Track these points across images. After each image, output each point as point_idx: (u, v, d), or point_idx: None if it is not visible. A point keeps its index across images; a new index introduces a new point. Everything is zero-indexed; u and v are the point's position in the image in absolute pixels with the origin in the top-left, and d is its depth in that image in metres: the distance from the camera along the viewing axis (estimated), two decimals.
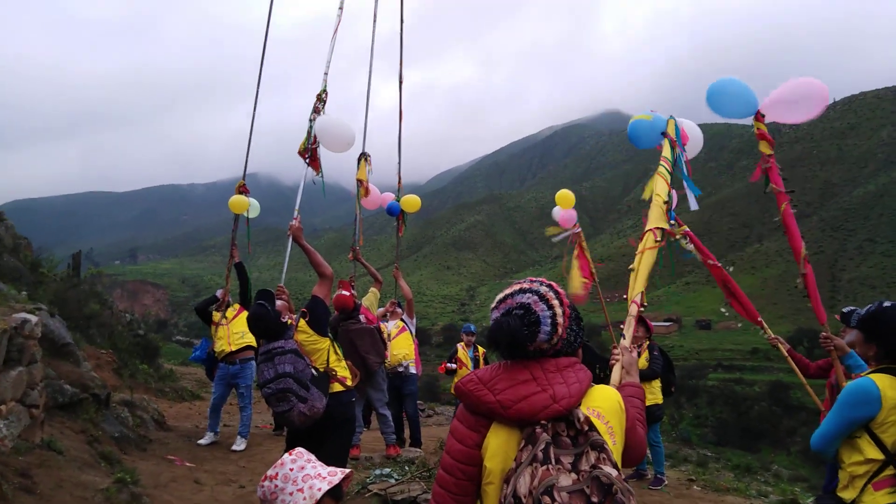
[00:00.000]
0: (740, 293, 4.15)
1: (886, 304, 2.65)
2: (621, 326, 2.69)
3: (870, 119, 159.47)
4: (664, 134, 3.47)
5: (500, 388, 1.62)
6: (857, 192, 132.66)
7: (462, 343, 8.21)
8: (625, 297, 2.84)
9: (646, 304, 2.85)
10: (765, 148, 3.91)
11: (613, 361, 2.29)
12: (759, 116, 3.92)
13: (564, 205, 6.68)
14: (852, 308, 3.88)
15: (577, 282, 5.85)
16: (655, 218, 3.08)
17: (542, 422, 1.53)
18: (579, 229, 6.49)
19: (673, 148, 3.41)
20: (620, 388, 2.08)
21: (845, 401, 2.56)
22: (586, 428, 1.52)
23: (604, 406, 1.68)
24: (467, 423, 1.68)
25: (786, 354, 4.10)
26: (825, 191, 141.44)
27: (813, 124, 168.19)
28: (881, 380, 2.50)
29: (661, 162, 3.32)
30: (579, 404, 1.61)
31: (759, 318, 4.15)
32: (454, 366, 7.91)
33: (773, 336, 4.19)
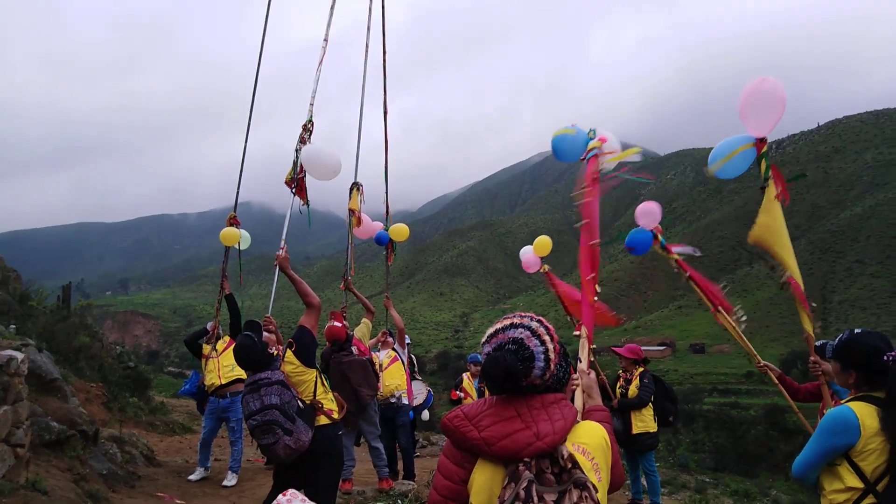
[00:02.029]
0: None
1: (857, 331, 2.69)
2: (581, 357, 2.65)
3: (854, 143, 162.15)
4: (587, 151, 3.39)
5: (484, 424, 1.63)
6: (844, 214, 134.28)
7: (468, 373, 8.14)
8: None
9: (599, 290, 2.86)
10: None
11: (573, 387, 2.27)
12: (759, 143, 3.87)
13: (539, 251, 6.68)
14: (824, 341, 3.89)
15: None
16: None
17: (526, 459, 1.53)
18: (545, 269, 6.52)
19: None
20: (587, 414, 2.06)
21: (824, 428, 2.56)
22: (570, 465, 1.52)
23: (589, 442, 1.68)
24: (454, 458, 1.68)
25: (776, 380, 4.09)
26: (813, 213, 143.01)
27: (798, 148, 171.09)
28: (860, 408, 2.51)
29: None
30: (564, 441, 1.61)
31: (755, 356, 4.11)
32: (461, 394, 7.88)
33: (762, 363, 4.18)
